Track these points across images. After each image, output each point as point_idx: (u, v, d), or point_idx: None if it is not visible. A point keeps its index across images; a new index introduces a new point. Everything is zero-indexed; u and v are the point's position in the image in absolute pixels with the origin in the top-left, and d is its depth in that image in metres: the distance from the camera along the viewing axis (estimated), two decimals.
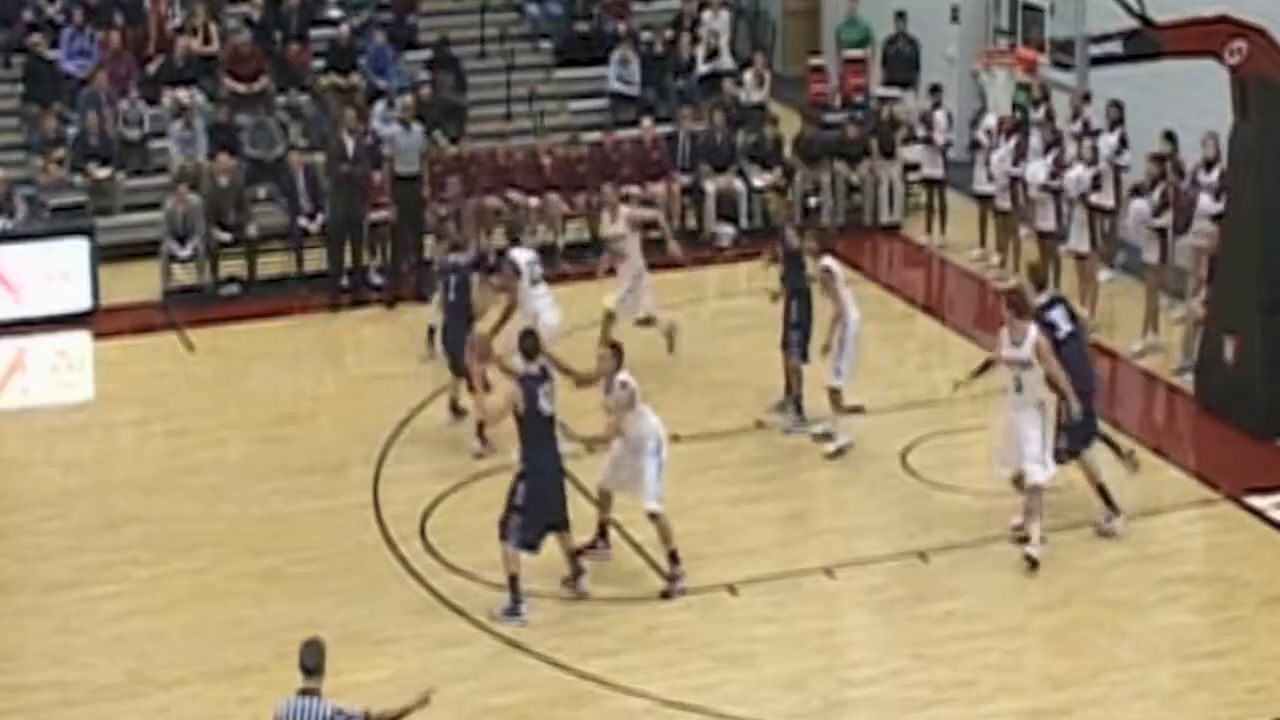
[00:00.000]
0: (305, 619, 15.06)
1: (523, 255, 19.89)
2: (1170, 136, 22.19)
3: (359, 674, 14.49)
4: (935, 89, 25.71)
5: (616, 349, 16.68)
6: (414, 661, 15.30)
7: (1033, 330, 16.75)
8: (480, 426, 18.89)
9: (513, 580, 15.87)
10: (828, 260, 19.14)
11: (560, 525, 16.11)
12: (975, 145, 24.80)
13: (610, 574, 16.67)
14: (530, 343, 16.21)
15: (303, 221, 24.24)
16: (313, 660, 11.62)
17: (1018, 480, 17.04)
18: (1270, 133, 19.37)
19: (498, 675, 15.16)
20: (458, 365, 19.09)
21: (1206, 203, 21.26)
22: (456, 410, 19.77)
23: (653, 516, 16.41)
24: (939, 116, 25.30)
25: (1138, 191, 21.80)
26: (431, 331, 20.42)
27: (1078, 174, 22.24)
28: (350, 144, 23.85)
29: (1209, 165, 21.51)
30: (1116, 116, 23.30)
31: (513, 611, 15.89)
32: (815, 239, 19.61)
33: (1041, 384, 16.78)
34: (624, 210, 21.30)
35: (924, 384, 21.10)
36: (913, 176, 26.41)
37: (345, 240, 23.73)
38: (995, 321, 22.87)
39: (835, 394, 19.05)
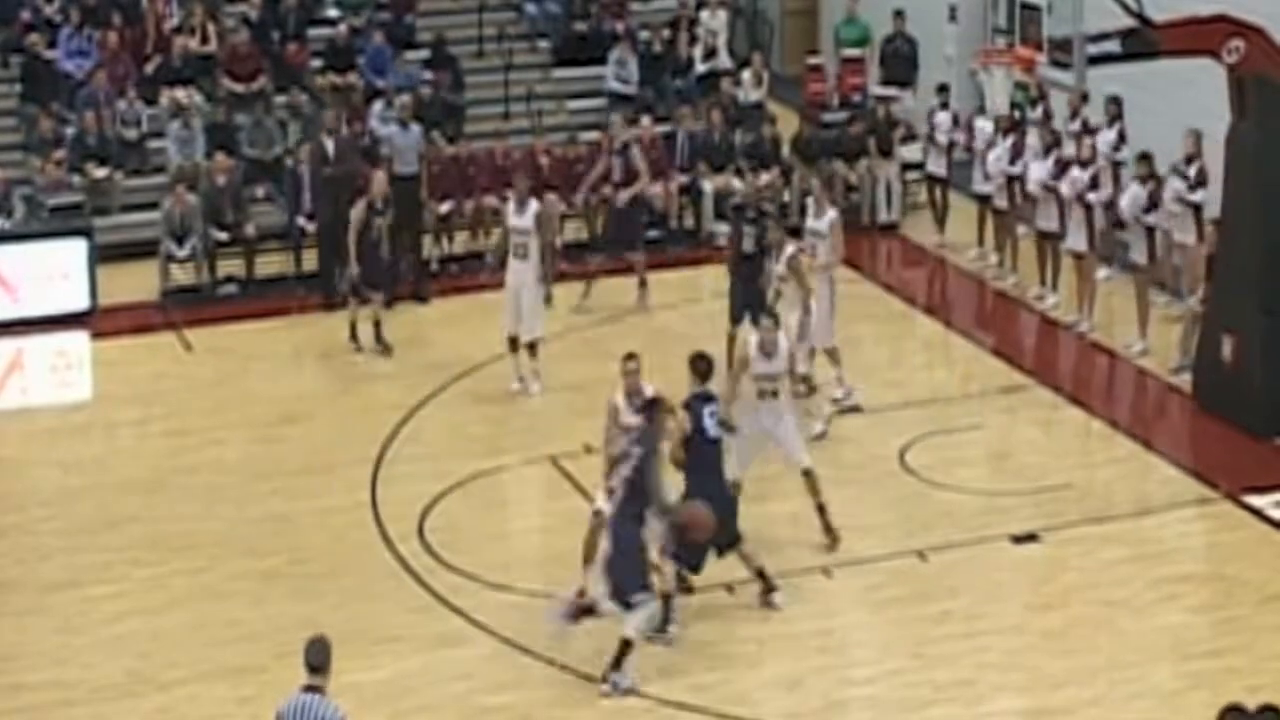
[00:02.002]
0: (305, 619, 15.03)
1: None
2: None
3: (358, 674, 14.48)
4: (943, 88, 25.68)
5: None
6: (413, 661, 15.30)
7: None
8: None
9: (665, 598, 15.38)
10: (793, 247, 19.53)
11: (726, 545, 15.76)
12: (969, 149, 24.79)
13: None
14: (703, 365, 15.98)
15: (301, 221, 24.22)
16: (316, 658, 11.62)
17: None
18: (1268, 131, 19.38)
19: (496, 675, 15.16)
20: None
21: (1180, 189, 21.39)
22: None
23: (807, 473, 16.77)
24: (942, 117, 25.28)
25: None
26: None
27: (1074, 175, 22.26)
28: (330, 145, 23.82)
29: (1189, 160, 21.55)
30: (1115, 112, 23.31)
31: (660, 631, 15.35)
32: (779, 229, 20.07)
33: None
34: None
35: (922, 383, 21.12)
36: (914, 175, 26.46)
37: (335, 241, 23.71)
38: (994, 321, 23.05)
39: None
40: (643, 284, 23.08)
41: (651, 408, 15.31)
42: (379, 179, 22.11)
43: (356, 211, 21.77)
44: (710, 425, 15.65)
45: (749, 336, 17.37)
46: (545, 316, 21.16)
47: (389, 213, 21.95)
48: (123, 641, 15.72)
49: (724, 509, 15.50)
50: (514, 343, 20.58)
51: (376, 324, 21.93)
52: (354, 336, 21.95)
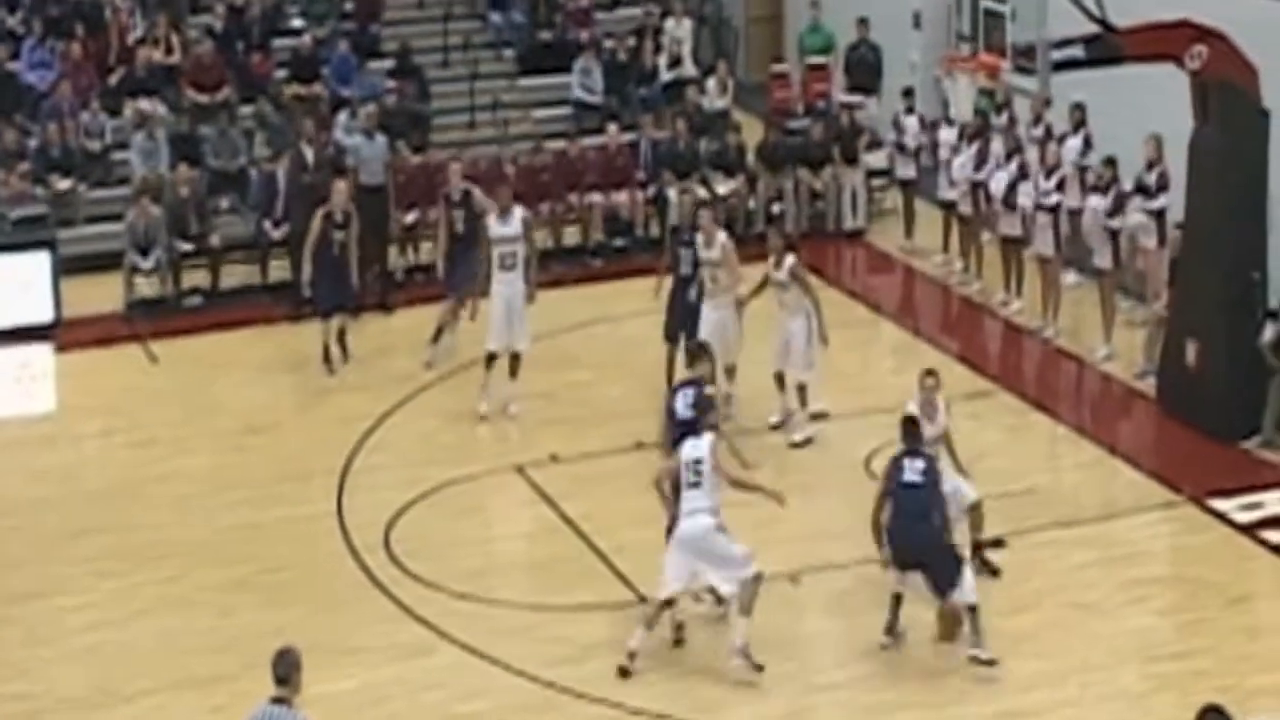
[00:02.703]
0: (273, 629, 15.04)
1: None
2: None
3: (326, 684, 14.42)
4: (908, 92, 25.72)
5: None
6: (383, 671, 15.29)
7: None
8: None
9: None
10: (793, 257, 19.60)
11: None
12: (934, 154, 24.84)
13: (576, 582, 16.66)
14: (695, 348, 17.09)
15: (268, 227, 24.14)
16: (283, 669, 11.62)
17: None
18: (1231, 136, 19.47)
19: (464, 683, 15.16)
20: None
21: (1138, 203, 21.58)
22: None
23: (975, 508, 16.74)
24: (910, 121, 25.33)
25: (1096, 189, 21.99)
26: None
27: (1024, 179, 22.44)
28: (310, 154, 23.81)
29: (1150, 166, 21.66)
30: (1079, 119, 23.36)
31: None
32: (778, 237, 20.08)
33: None
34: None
35: (888, 389, 21.04)
36: (879, 181, 26.51)
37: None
38: (959, 327, 23.13)
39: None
40: (462, 305, 21.67)
41: (909, 424, 15.96)
42: (338, 189, 21.79)
43: (315, 222, 21.52)
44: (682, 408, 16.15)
45: (909, 400, 16.89)
46: None
47: (352, 227, 21.63)
48: (90, 652, 15.69)
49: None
50: (491, 359, 20.30)
51: (341, 332, 21.86)
52: (327, 359, 21.76)
